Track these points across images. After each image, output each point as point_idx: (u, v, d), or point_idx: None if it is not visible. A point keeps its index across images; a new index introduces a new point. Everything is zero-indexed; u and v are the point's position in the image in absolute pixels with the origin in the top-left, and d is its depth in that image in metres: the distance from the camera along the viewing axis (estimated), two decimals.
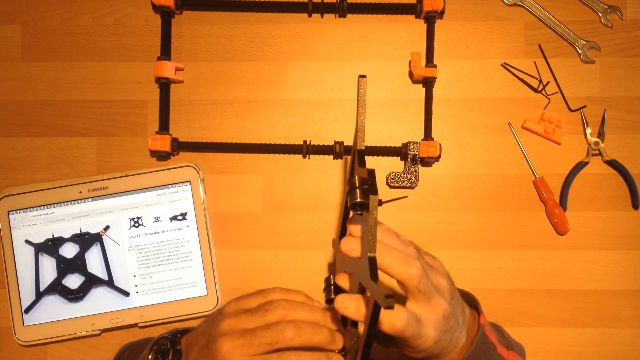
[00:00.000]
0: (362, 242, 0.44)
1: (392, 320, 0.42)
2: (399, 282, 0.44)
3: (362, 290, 0.45)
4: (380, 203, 0.41)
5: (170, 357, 0.48)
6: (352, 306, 0.43)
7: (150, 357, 0.49)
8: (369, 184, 0.41)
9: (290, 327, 0.45)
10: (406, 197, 0.67)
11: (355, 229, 0.45)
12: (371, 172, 0.42)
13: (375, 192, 0.40)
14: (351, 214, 0.48)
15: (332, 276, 0.51)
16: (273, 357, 0.45)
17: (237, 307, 0.48)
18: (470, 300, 0.53)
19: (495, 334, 0.52)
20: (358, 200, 0.41)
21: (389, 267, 0.43)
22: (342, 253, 0.48)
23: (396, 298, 0.37)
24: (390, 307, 0.36)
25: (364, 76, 0.45)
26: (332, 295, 0.51)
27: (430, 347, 0.45)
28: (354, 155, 0.47)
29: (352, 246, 0.44)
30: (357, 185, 0.42)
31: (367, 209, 0.41)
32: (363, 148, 0.45)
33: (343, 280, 0.48)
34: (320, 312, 0.49)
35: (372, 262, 0.40)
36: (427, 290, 0.44)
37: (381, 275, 0.43)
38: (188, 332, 0.51)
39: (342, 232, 0.55)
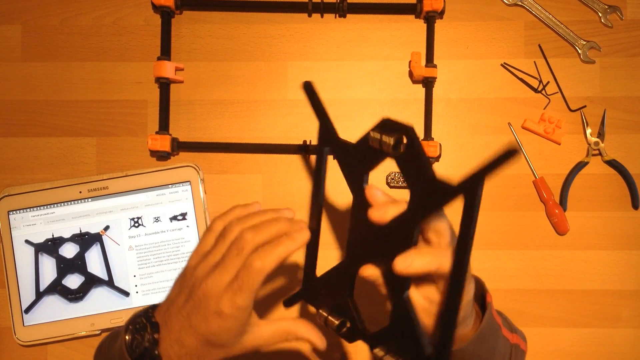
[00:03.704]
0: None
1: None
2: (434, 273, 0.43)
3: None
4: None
5: (148, 331, 0.46)
6: (417, 260, 0.42)
7: (127, 337, 0.46)
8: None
9: (248, 230, 0.46)
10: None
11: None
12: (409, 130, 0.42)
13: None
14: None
15: (325, 313, 0.49)
16: (244, 270, 0.44)
17: (199, 253, 0.48)
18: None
19: (500, 317, 0.53)
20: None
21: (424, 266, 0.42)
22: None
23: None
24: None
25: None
26: (341, 327, 0.47)
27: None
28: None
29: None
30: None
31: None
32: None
33: (370, 270, 0.46)
34: (272, 211, 0.49)
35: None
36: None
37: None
38: (159, 305, 0.49)
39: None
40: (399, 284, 0.43)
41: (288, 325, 0.48)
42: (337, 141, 0.47)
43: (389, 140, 0.42)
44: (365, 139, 0.44)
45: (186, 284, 0.47)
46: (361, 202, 0.46)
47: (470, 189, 0.39)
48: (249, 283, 0.44)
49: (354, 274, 0.47)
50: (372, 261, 0.46)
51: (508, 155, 0.38)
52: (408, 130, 0.41)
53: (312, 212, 0.50)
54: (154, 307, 0.49)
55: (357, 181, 0.46)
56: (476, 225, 0.39)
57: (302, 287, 0.51)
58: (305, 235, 0.47)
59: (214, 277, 0.45)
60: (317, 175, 0.49)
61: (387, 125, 0.42)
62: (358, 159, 0.45)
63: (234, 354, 0.47)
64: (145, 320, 0.47)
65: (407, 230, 0.43)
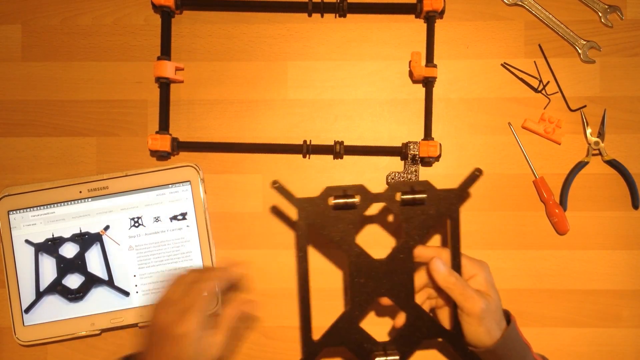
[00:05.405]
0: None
1: None
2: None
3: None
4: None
5: None
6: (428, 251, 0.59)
7: None
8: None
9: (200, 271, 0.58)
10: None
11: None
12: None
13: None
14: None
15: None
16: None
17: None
18: None
19: (531, 346, 0.60)
20: None
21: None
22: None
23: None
24: None
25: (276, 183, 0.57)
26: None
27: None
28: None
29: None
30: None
31: None
32: None
33: (385, 300, 0.59)
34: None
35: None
36: None
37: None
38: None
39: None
40: (407, 297, 0.58)
41: (224, 320, 0.57)
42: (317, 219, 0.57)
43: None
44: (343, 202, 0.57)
45: (152, 323, 0.55)
46: (356, 255, 0.57)
47: (453, 215, 0.58)
48: (197, 303, 0.54)
49: (360, 317, 0.58)
50: (378, 297, 0.58)
51: (474, 177, 0.57)
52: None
53: (299, 282, 0.58)
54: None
55: (346, 239, 0.57)
56: (459, 232, 0.58)
57: (303, 356, 0.58)
58: (225, 267, 0.59)
59: (168, 310, 0.54)
60: (301, 251, 0.57)
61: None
62: (337, 221, 0.57)
63: None
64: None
65: (406, 258, 0.57)
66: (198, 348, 0.53)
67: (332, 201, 0.56)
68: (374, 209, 0.67)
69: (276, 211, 0.69)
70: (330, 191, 0.56)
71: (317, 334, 0.58)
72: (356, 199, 0.56)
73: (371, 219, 0.68)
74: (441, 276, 0.56)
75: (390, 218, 0.68)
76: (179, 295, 0.55)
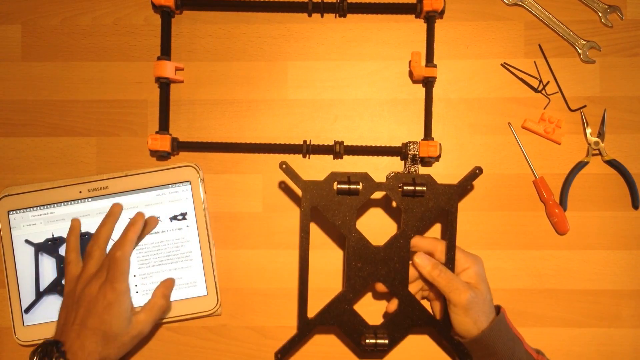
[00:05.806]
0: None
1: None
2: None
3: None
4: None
5: (55, 349, 0.54)
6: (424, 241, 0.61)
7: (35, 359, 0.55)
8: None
9: (90, 245, 0.62)
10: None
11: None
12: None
13: None
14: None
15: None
16: (110, 265, 0.59)
17: (71, 280, 0.61)
18: None
19: (522, 338, 0.60)
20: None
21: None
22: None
23: None
24: None
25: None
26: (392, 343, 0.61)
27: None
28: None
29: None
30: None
31: None
32: None
33: (380, 286, 0.62)
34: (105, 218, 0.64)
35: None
36: None
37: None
38: (54, 334, 0.59)
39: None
40: (400, 285, 0.61)
41: (153, 301, 0.62)
42: (321, 199, 0.60)
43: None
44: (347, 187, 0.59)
45: (72, 304, 0.58)
46: (355, 239, 0.60)
47: (451, 209, 0.60)
48: (119, 270, 0.58)
49: (354, 299, 0.61)
50: (374, 283, 0.61)
51: (474, 175, 0.60)
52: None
53: (300, 262, 0.61)
54: (49, 339, 0.57)
55: (346, 224, 0.60)
56: (456, 226, 0.61)
57: (297, 331, 0.61)
58: (141, 216, 0.63)
59: (91, 284, 0.58)
60: (304, 232, 0.60)
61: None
62: (340, 206, 0.60)
63: (126, 343, 0.58)
64: (48, 344, 0.55)
65: (402, 247, 0.60)
66: (128, 319, 0.57)
67: (336, 186, 0.59)
68: (376, 197, 0.68)
69: (277, 208, 0.69)
70: (335, 176, 0.59)
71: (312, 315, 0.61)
72: (359, 186, 0.59)
73: (372, 207, 0.68)
74: (425, 270, 0.59)
75: (391, 207, 0.68)
76: (97, 268, 0.59)
